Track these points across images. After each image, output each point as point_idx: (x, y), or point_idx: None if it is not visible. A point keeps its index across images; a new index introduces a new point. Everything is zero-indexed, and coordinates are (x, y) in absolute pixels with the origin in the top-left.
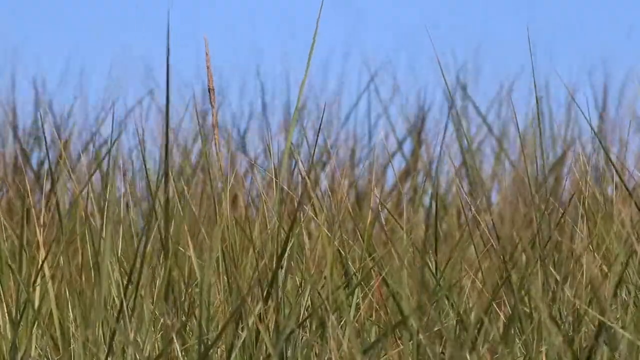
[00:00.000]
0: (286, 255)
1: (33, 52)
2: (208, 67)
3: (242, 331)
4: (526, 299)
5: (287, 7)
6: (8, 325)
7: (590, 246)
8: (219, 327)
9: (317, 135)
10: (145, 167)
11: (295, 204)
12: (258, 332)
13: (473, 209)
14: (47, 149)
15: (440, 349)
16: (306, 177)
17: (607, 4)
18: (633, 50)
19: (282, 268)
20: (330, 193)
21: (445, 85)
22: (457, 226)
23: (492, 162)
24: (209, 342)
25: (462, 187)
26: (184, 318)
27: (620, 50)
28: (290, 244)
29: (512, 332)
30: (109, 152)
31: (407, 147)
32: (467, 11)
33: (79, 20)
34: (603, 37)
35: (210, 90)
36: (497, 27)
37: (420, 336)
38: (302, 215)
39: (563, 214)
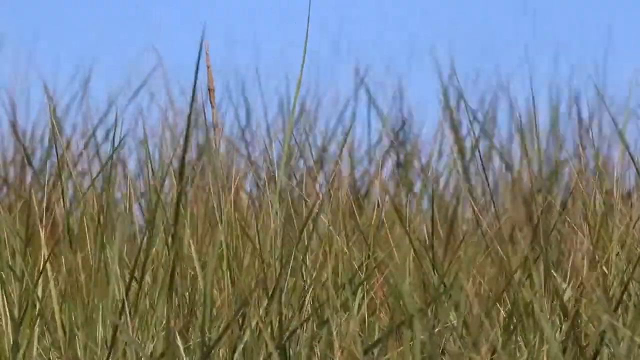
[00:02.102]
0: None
1: (34, 51)
2: (208, 67)
3: (244, 331)
4: (527, 298)
5: (287, 6)
6: (10, 325)
7: (591, 246)
8: (221, 327)
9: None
10: (152, 168)
11: (296, 204)
12: (260, 331)
13: (475, 209)
14: (49, 148)
15: (442, 349)
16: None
17: (608, 5)
18: (631, 51)
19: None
20: (330, 192)
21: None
22: (458, 226)
23: (491, 163)
24: (211, 342)
25: (461, 187)
26: (186, 317)
27: (620, 50)
28: (295, 246)
29: (513, 331)
30: (112, 153)
31: (404, 144)
32: (466, 11)
33: (79, 20)
34: (604, 36)
35: (210, 90)
36: (496, 27)
37: (423, 336)
38: (307, 214)
39: (561, 212)
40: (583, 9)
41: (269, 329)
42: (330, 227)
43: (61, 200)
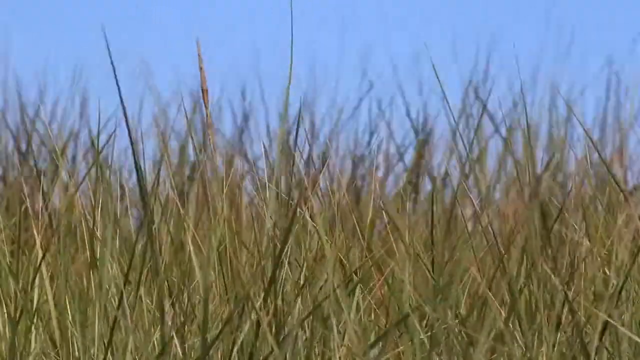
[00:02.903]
0: (285, 254)
1: (32, 51)
2: (201, 68)
3: (241, 332)
4: (526, 297)
5: (287, 6)
6: (7, 326)
7: (591, 245)
8: (219, 326)
9: (311, 135)
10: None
11: (294, 204)
12: (257, 331)
13: (475, 207)
14: (43, 148)
15: (441, 348)
16: (305, 177)
17: (619, 5)
18: None
19: (282, 267)
20: (330, 192)
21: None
22: (458, 225)
23: (495, 162)
24: (209, 342)
25: (465, 185)
26: (183, 318)
27: (631, 51)
28: (289, 243)
29: (512, 330)
30: (100, 152)
31: (409, 146)
32: (477, 12)
33: (79, 20)
34: (615, 37)
35: (203, 91)
36: (507, 27)
37: (422, 336)
38: (300, 213)
39: (561, 210)
40: (585, 9)
41: (269, 328)
42: (328, 227)
43: (55, 198)
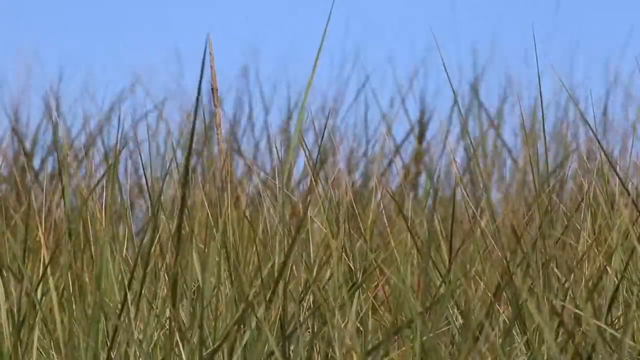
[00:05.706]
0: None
1: (37, 53)
2: (212, 67)
3: (244, 332)
4: (528, 297)
5: (288, 6)
6: (11, 327)
7: (593, 246)
8: (222, 325)
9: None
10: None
11: (299, 204)
12: (260, 331)
13: (475, 207)
14: (50, 150)
15: (444, 349)
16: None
17: (615, 5)
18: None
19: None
20: (332, 191)
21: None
22: (460, 224)
23: (495, 162)
24: (213, 345)
25: (463, 184)
26: (187, 318)
27: (627, 50)
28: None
29: (514, 331)
30: (116, 155)
31: (410, 146)
32: (475, 13)
33: (81, 21)
34: (611, 36)
35: (213, 90)
36: (503, 27)
37: (424, 337)
38: (306, 214)
39: (557, 210)
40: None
41: (271, 328)
42: (329, 227)
43: (62, 201)
